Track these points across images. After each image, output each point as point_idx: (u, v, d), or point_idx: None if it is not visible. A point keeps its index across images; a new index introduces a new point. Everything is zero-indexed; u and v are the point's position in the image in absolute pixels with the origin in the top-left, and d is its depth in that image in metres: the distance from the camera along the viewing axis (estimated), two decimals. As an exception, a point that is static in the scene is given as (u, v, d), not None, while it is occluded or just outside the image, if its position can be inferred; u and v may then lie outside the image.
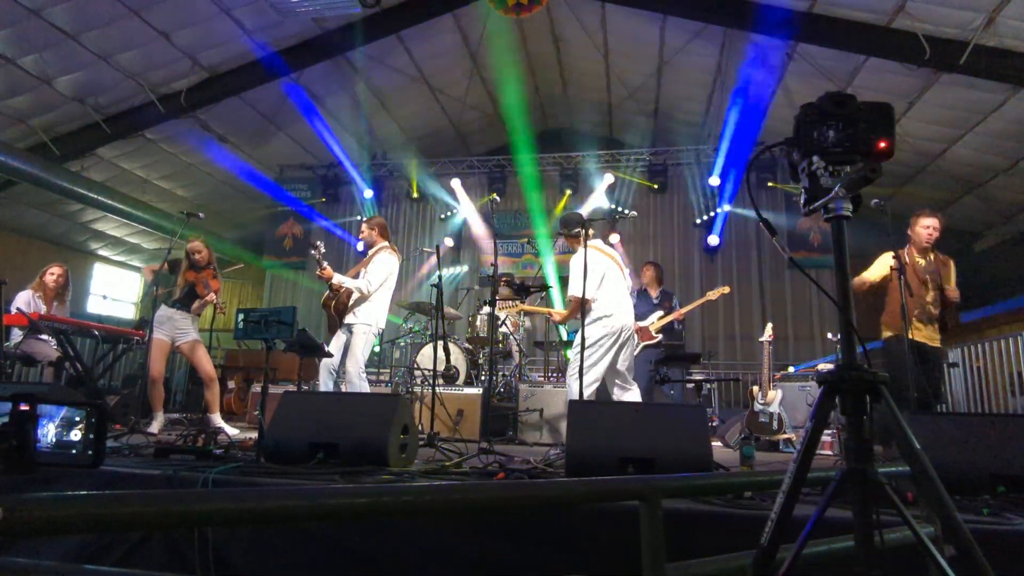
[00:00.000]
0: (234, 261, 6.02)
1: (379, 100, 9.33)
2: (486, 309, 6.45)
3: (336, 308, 4.64)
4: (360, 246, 4.98)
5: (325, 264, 4.51)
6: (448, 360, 5.81)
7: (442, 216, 10.74)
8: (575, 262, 4.21)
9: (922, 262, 4.36)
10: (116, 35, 6.78)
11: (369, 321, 4.61)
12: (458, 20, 8.05)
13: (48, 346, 5.35)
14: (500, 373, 6.47)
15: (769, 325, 5.59)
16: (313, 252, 4.45)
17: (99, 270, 12.18)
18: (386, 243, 4.88)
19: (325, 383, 4.58)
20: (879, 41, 6.33)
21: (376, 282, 4.60)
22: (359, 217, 10.54)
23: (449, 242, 10.47)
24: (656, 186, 10.05)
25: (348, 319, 4.60)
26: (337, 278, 4.59)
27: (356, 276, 4.74)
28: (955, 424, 2.63)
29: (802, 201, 1.41)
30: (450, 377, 5.92)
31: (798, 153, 1.41)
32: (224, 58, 7.65)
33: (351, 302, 4.62)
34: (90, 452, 2.05)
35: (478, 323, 6.73)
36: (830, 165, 1.36)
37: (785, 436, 5.01)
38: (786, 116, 7.99)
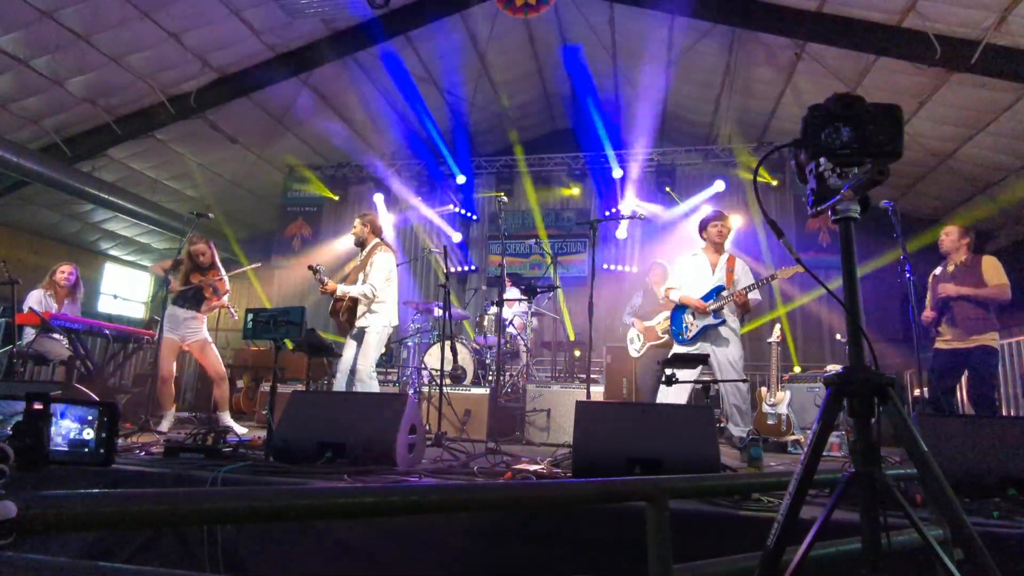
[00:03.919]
0: (245, 264, 6.13)
1: (387, 100, 9.35)
2: (493, 309, 6.46)
3: (345, 315, 4.65)
4: (352, 240, 5.00)
5: (326, 280, 4.54)
6: (455, 360, 5.83)
7: (450, 216, 10.75)
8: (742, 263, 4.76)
9: (949, 269, 4.63)
10: (127, 37, 6.83)
11: (383, 321, 4.62)
12: (466, 21, 8.06)
13: (60, 345, 5.40)
14: (507, 373, 6.47)
15: (777, 326, 5.57)
16: (313, 275, 4.49)
17: (110, 270, 12.28)
18: (378, 240, 4.87)
19: (340, 383, 4.60)
20: (889, 41, 6.27)
21: (380, 284, 4.60)
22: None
23: (457, 237, 10.49)
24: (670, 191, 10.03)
25: (361, 323, 4.61)
26: (341, 290, 4.60)
27: (356, 281, 4.74)
28: (965, 426, 2.62)
29: (809, 202, 1.40)
30: (457, 377, 5.94)
31: (805, 154, 1.41)
32: (233, 59, 7.69)
33: (359, 307, 4.63)
34: (102, 451, 2.07)
35: (485, 323, 6.75)
36: (838, 167, 1.35)
37: (793, 437, 4.99)
38: (794, 116, 7.94)
